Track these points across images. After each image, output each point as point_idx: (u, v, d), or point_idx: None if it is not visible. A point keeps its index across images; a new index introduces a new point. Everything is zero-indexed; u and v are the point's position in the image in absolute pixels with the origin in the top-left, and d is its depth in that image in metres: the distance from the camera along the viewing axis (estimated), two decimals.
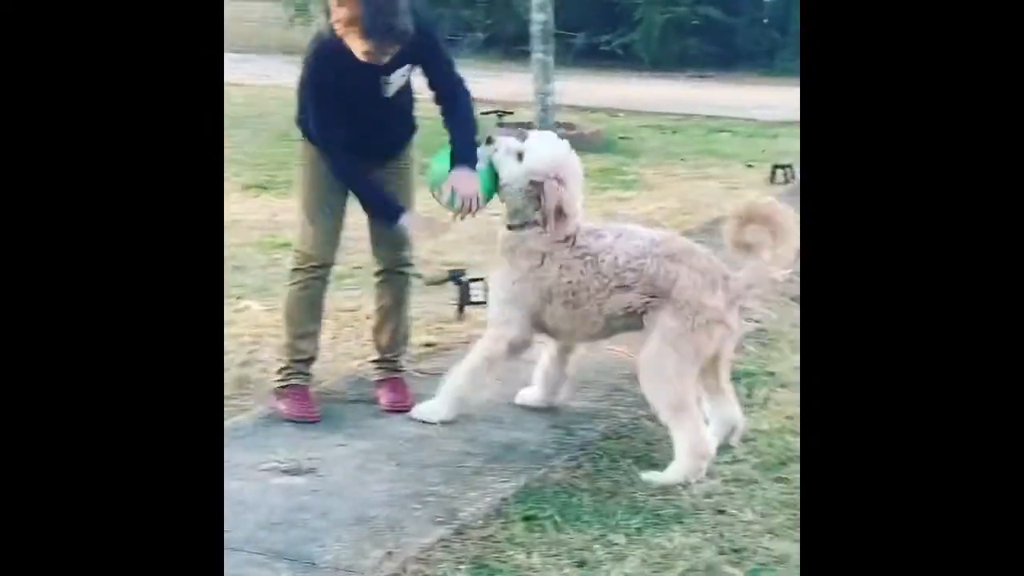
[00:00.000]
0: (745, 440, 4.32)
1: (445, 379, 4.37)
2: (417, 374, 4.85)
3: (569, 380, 4.59)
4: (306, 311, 4.45)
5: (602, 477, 3.98)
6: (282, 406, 4.40)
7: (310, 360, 4.52)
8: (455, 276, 5.84)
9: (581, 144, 11.87)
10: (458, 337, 5.39)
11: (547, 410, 4.58)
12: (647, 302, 4.09)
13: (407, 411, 4.44)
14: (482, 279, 5.47)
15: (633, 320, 4.17)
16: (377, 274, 4.59)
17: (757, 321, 5.91)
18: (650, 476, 3.97)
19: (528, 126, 12.38)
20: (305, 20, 23.82)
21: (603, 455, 4.16)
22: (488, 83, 17.84)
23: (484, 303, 4.97)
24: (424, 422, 4.31)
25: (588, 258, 4.16)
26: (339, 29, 4.04)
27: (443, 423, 4.31)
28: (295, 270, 4.44)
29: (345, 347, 5.27)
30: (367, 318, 5.65)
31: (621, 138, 12.74)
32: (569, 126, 12.56)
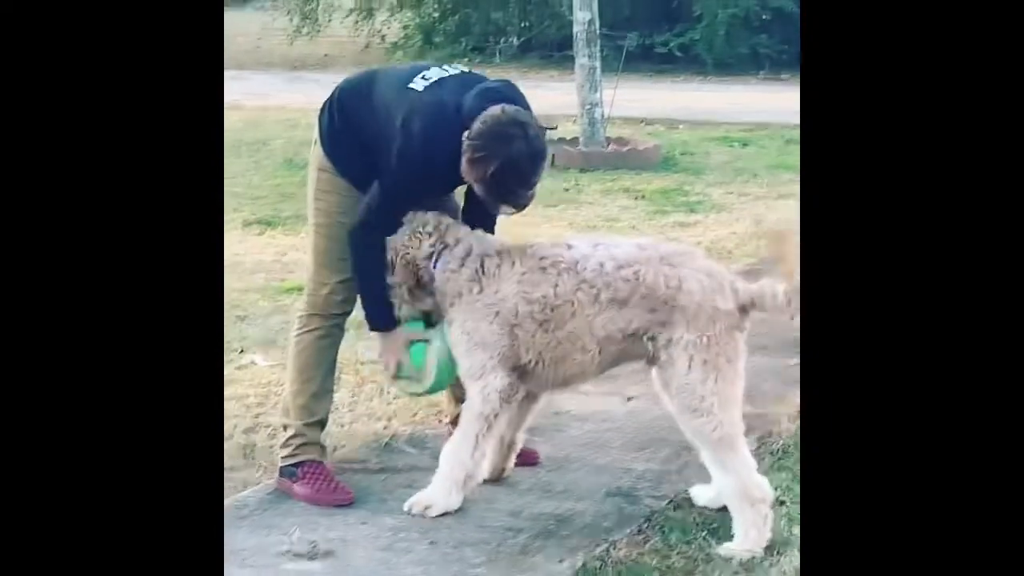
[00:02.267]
0: None
1: (443, 460, 4.20)
2: None
3: (515, 450, 4.46)
4: (324, 364, 4.41)
5: (674, 553, 3.93)
6: (299, 489, 4.32)
7: (323, 424, 4.48)
8: None
9: (636, 161, 11.97)
10: None
11: (604, 475, 4.53)
12: (651, 319, 3.98)
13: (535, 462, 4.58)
14: None
15: (636, 346, 4.05)
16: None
17: None
18: (728, 549, 3.92)
19: (574, 142, 12.43)
20: (312, 30, 24.13)
21: (674, 527, 4.09)
22: (527, 93, 17.89)
23: None
24: (425, 515, 4.15)
25: (563, 267, 4.04)
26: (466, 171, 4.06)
27: (450, 513, 4.16)
28: (311, 315, 4.40)
29: (367, 407, 5.25)
30: None
31: (682, 154, 12.74)
32: (621, 141, 12.58)
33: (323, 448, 4.46)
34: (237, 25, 21.38)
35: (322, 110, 4.43)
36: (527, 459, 4.62)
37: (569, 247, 4.11)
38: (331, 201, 4.34)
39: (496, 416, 4.15)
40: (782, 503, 4.28)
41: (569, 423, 5.09)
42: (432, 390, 4.44)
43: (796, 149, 13.07)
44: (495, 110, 4.01)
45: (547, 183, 11.01)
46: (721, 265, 4.16)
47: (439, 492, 4.18)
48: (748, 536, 3.94)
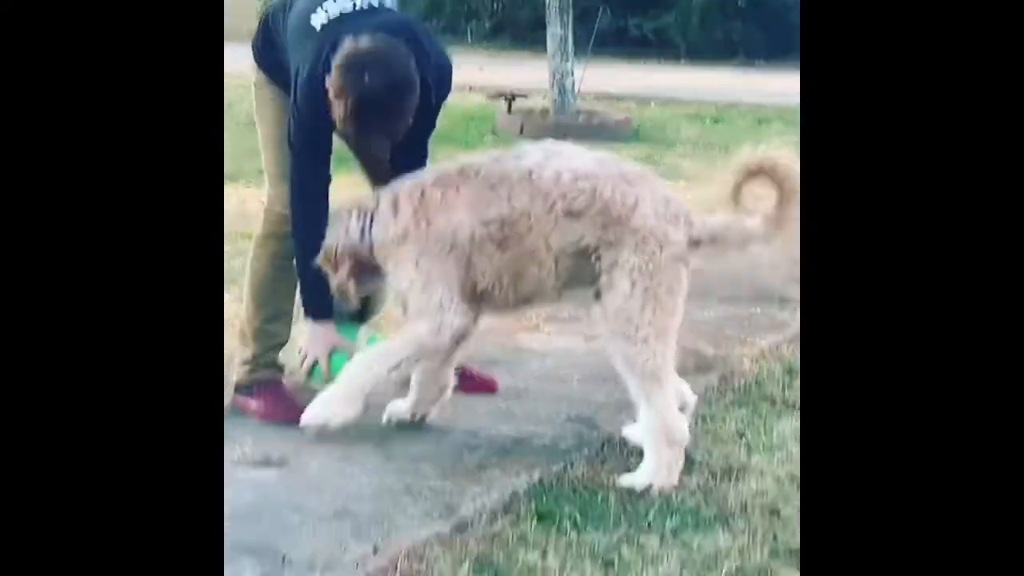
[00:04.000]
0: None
1: (353, 364, 4.04)
2: None
3: (447, 389, 4.32)
4: (280, 285, 4.42)
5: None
6: (254, 405, 4.37)
7: (281, 346, 4.50)
8: None
9: (607, 133, 11.98)
10: None
11: (564, 404, 4.57)
12: (600, 235, 3.87)
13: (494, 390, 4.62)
14: None
15: (584, 267, 3.92)
16: None
17: None
18: (635, 479, 3.89)
19: (544, 112, 12.46)
20: None
21: (633, 451, 4.13)
22: (497, 69, 18.05)
23: None
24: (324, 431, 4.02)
25: (515, 180, 3.91)
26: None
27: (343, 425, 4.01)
28: (266, 235, 4.43)
29: None
30: None
31: (653, 128, 12.77)
32: (592, 113, 12.62)
33: (280, 367, 4.48)
34: None
35: (256, 29, 4.49)
36: (485, 386, 4.65)
37: (518, 157, 3.99)
38: (271, 109, 4.40)
39: (436, 352, 4.03)
40: (742, 436, 4.35)
41: (530, 358, 5.13)
42: None
43: (767, 128, 13.19)
44: (348, 44, 3.95)
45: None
46: (679, 195, 4.10)
47: (338, 400, 3.97)
48: (659, 473, 3.88)
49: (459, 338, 4.06)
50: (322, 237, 4.12)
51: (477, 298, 4.03)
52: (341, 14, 4.15)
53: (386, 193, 4.08)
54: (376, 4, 4.25)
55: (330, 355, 4.18)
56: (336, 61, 3.93)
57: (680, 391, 4.16)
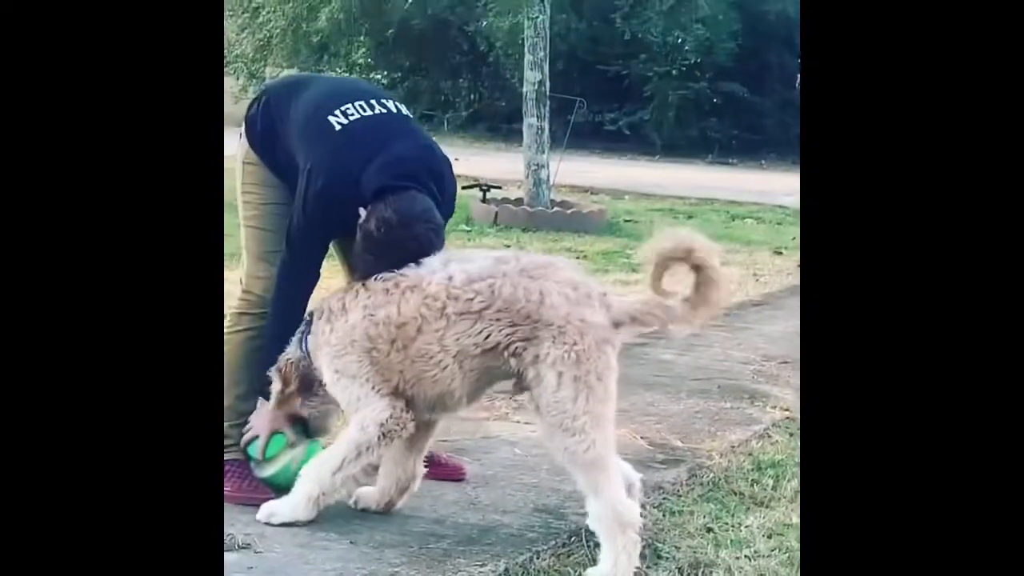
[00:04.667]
0: (771, 536, 4.28)
1: (303, 473, 4.15)
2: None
3: (416, 479, 4.32)
4: (253, 364, 4.40)
5: None
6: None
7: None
8: None
9: (581, 224, 12.07)
10: None
11: (531, 493, 4.54)
12: (511, 334, 3.90)
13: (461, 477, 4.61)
14: None
15: (498, 362, 3.95)
16: None
17: (786, 409, 5.92)
18: (590, 573, 3.86)
19: (518, 202, 12.54)
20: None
21: (599, 543, 4.09)
22: (472, 160, 18.19)
23: None
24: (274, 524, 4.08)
25: (406, 286, 4.00)
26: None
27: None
28: (242, 314, 4.41)
29: None
30: None
31: (627, 221, 12.87)
32: (567, 204, 12.71)
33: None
34: None
35: (251, 105, 4.50)
36: (453, 474, 4.63)
37: (418, 265, 4.05)
38: (259, 192, 4.40)
39: (369, 448, 4.04)
40: (709, 530, 4.32)
41: (498, 446, 5.12)
42: (270, 482, 4.34)
43: (741, 224, 13.43)
44: (385, 212, 4.04)
45: (488, 240, 11.19)
46: (591, 278, 4.12)
47: (288, 504, 4.11)
48: (619, 563, 3.83)
49: (392, 432, 4.04)
50: (296, 329, 4.24)
51: (400, 396, 4.07)
52: (360, 118, 4.21)
53: (314, 310, 4.22)
54: (394, 110, 4.30)
55: (271, 435, 4.30)
56: (371, 229, 4.05)
57: (624, 474, 4.12)
